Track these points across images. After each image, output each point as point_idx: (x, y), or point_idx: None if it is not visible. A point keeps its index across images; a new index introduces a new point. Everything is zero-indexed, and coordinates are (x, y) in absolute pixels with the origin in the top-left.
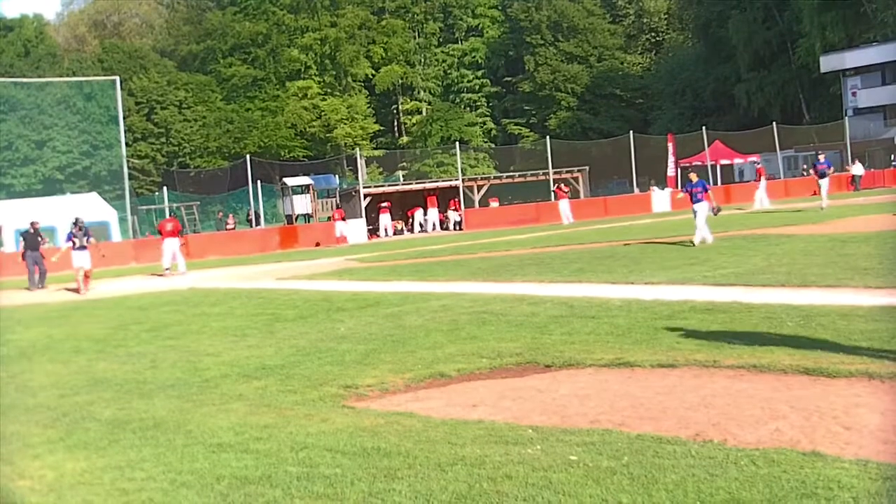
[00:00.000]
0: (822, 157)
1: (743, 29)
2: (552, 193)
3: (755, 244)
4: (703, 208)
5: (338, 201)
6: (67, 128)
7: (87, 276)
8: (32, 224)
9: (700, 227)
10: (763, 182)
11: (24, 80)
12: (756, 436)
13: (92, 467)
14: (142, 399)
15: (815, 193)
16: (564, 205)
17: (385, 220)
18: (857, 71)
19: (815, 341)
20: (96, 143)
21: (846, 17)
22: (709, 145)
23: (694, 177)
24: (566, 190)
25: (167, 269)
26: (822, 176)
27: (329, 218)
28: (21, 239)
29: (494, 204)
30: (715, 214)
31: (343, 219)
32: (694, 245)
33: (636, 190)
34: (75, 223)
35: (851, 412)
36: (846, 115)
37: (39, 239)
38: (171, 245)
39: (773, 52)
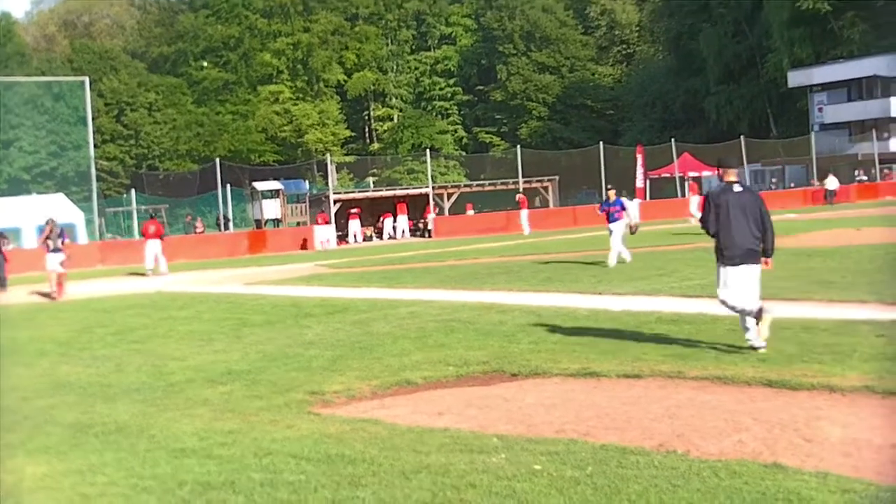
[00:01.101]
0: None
1: (713, 42)
2: (518, 203)
3: None
4: (619, 227)
5: (310, 206)
6: (35, 128)
7: (60, 283)
8: None
9: (615, 246)
10: (695, 197)
11: None
12: (719, 447)
13: (53, 472)
14: (105, 403)
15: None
16: (524, 215)
17: (354, 226)
18: (824, 87)
19: (779, 354)
20: (64, 143)
21: (814, 34)
22: (677, 157)
23: (612, 195)
24: (520, 199)
25: (150, 270)
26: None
27: (298, 223)
28: None
29: (470, 212)
30: (633, 233)
31: (327, 223)
32: (609, 266)
33: None
34: (48, 223)
35: (812, 424)
36: (812, 130)
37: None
38: (154, 247)
39: (743, 67)
